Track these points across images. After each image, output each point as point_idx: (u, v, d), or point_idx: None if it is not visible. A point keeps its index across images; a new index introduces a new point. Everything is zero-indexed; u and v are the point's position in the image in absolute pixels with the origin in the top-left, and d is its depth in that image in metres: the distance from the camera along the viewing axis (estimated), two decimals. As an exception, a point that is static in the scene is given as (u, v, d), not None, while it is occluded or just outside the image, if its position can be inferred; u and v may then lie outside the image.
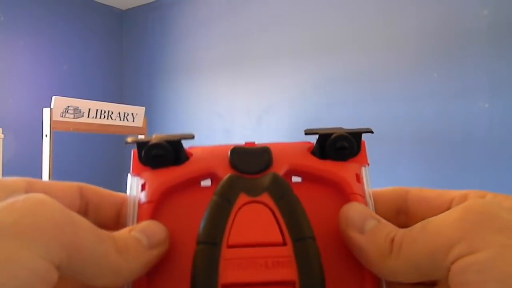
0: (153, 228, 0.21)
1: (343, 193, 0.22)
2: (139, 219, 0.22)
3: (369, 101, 2.79)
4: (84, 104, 2.71)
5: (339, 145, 0.23)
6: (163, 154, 0.22)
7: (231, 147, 0.23)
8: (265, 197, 0.21)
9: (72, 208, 0.21)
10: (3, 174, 2.61)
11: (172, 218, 0.22)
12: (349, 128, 0.24)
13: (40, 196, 0.17)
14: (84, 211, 0.23)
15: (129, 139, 0.23)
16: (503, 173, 2.34)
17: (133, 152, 0.23)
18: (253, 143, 0.23)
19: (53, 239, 0.16)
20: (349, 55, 2.89)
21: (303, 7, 3.10)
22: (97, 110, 2.77)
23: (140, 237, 0.20)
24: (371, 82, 2.79)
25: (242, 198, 0.21)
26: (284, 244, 0.20)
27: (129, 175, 0.23)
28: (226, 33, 3.50)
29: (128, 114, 2.95)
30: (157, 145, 0.22)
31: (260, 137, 3.27)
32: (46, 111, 2.56)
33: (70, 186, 0.24)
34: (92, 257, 0.17)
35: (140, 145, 0.22)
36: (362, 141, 0.24)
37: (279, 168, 0.22)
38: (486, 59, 2.40)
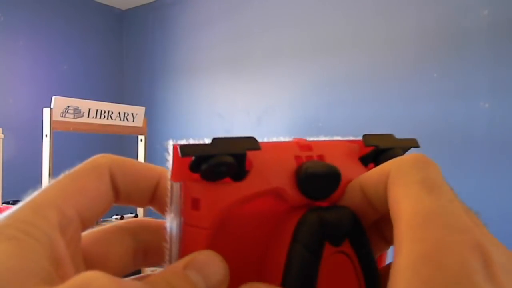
0: (213, 266, 0.17)
1: None
2: (187, 247, 0.18)
3: (369, 101, 2.79)
4: (84, 104, 2.71)
5: (392, 156, 0.22)
6: (227, 171, 0.18)
7: (300, 163, 0.19)
8: (347, 247, 0.19)
9: (107, 206, 0.20)
10: (3, 174, 2.61)
11: (231, 249, 0.18)
12: (399, 139, 0.24)
13: None
14: (115, 199, 0.20)
15: (183, 148, 0.18)
16: (503, 173, 2.34)
17: (174, 149, 0.18)
18: (310, 146, 0.21)
19: None
20: (349, 55, 2.89)
21: (303, 7, 3.10)
22: (97, 110, 2.77)
23: (197, 280, 0.16)
24: (371, 82, 2.79)
25: (327, 249, 0.18)
26: None
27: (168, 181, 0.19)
28: (226, 33, 3.50)
29: (128, 114, 2.95)
30: (225, 163, 0.18)
31: (260, 137, 3.27)
32: (46, 111, 2.56)
33: (101, 178, 0.20)
34: None
35: (202, 159, 0.17)
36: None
37: (341, 186, 0.20)
38: (486, 59, 2.40)
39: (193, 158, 0.17)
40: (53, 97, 2.58)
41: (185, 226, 0.18)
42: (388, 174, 0.18)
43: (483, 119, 2.40)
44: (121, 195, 0.20)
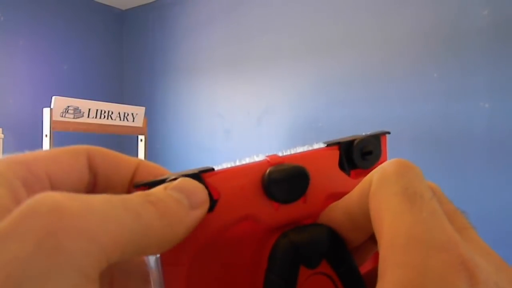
0: (192, 187, 0.17)
1: None
2: (169, 285, 0.17)
3: (368, 101, 2.79)
4: (84, 104, 2.71)
5: (366, 150, 0.21)
6: None
7: (264, 173, 0.18)
8: (325, 267, 0.18)
9: (81, 185, 0.19)
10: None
11: (216, 278, 0.18)
12: (367, 134, 0.22)
13: (51, 203, 0.14)
14: (92, 184, 0.20)
15: (137, 182, 0.18)
16: (503, 173, 2.34)
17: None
18: (282, 161, 0.19)
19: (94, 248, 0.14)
20: (348, 56, 2.89)
21: (302, 8, 3.10)
22: (97, 110, 2.77)
23: (180, 197, 0.17)
24: (371, 83, 2.79)
25: (302, 272, 0.17)
26: None
27: None
28: (227, 33, 3.51)
29: (128, 114, 2.95)
30: None
31: (260, 137, 3.28)
32: (46, 111, 2.56)
33: (77, 156, 0.20)
34: (137, 237, 0.15)
35: (156, 185, 0.17)
36: (382, 142, 0.22)
37: (317, 194, 0.20)
38: (486, 59, 2.40)
39: (148, 187, 0.17)
40: (53, 97, 2.58)
41: (164, 266, 0.17)
42: (370, 186, 0.17)
43: (483, 119, 2.40)
44: (100, 177, 0.20)
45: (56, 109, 2.56)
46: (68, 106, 2.63)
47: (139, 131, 3.03)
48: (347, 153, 0.21)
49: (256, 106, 3.32)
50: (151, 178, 0.19)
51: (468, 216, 0.17)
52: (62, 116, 2.60)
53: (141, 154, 3.04)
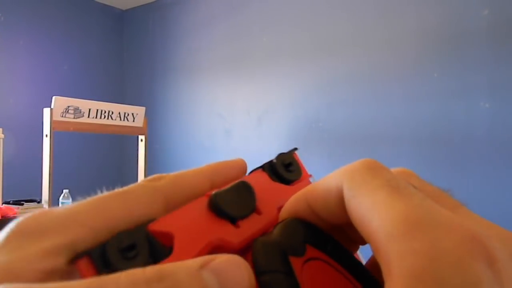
0: (234, 271, 0.14)
1: None
2: None
3: (369, 101, 2.79)
4: (84, 104, 2.71)
5: (286, 162, 0.21)
6: (135, 256, 0.15)
7: (210, 199, 0.18)
8: (312, 251, 0.17)
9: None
10: (3, 174, 2.61)
11: None
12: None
13: None
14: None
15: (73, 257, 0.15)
16: (503, 173, 2.34)
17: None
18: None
19: None
20: (349, 55, 2.89)
21: (303, 7, 3.10)
22: (97, 110, 2.77)
23: (212, 284, 0.13)
24: (371, 82, 2.79)
25: (294, 263, 0.16)
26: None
27: None
28: (227, 33, 3.51)
29: (128, 114, 2.95)
30: (122, 240, 0.15)
31: (261, 137, 3.28)
32: (46, 111, 2.56)
33: (153, 205, 0.17)
34: None
35: (100, 253, 0.15)
36: (295, 157, 0.22)
37: (269, 206, 0.19)
38: (486, 59, 2.40)
39: (90, 258, 0.15)
40: (53, 97, 2.58)
41: None
42: (338, 188, 0.16)
43: (483, 119, 2.40)
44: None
45: (57, 109, 2.56)
46: (69, 106, 2.63)
47: (139, 131, 3.03)
48: (272, 171, 0.21)
49: (256, 106, 3.32)
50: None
51: (453, 194, 0.17)
52: (62, 116, 2.60)
53: (141, 154, 3.04)
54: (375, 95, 2.77)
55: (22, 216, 0.15)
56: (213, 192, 0.18)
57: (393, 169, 0.18)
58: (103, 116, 2.81)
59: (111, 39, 4.20)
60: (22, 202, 2.53)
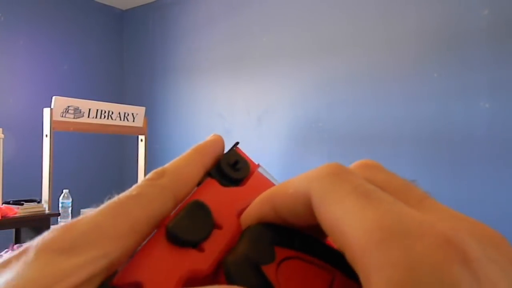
0: None
1: None
2: None
3: (369, 101, 2.79)
4: (84, 104, 2.71)
5: (231, 162, 0.21)
6: None
7: (165, 233, 0.17)
8: (282, 252, 0.17)
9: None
10: (3, 174, 2.61)
11: None
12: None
13: None
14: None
15: None
16: (503, 173, 2.34)
17: None
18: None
19: None
20: (349, 55, 2.89)
21: (303, 7, 3.10)
22: (97, 110, 2.77)
23: None
24: (371, 82, 2.79)
25: (267, 271, 0.16)
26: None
27: None
28: (227, 33, 3.51)
29: (128, 114, 2.95)
30: None
31: (261, 137, 3.28)
32: (46, 111, 2.56)
33: (168, 211, 0.18)
34: None
35: None
36: (240, 152, 0.22)
37: (228, 217, 0.19)
38: (486, 59, 2.40)
39: None
40: (53, 97, 2.58)
41: None
42: (306, 195, 0.16)
43: (483, 119, 2.41)
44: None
45: (56, 109, 2.56)
46: (69, 106, 2.63)
47: (139, 131, 3.04)
48: (220, 175, 0.20)
49: (256, 106, 3.32)
50: None
51: (418, 183, 0.16)
52: (62, 116, 2.60)
53: (141, 154, 3.04)
54: (375, 95, 2.77)
55: (47, 232, 0.16)
56: (167, 223, 0.17)
57: (357, 162, 0.18)
58: (103, 116, 2.81)
59: (111, 39, 4.20)
60: (22, 202, 2.53)
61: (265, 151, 3.17)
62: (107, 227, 0.16)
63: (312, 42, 3.06)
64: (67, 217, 2.72)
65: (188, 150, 0.20)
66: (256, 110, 3.32)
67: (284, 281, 0.16)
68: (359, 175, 0.16)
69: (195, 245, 0.17)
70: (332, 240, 0.15)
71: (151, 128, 3.36)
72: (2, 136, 2.57)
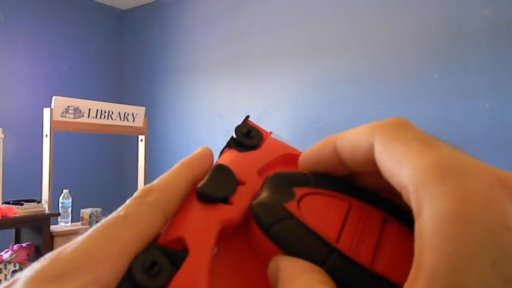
0: None
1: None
2: None
3: (369, 101, 2.79)
4: (84, 104, 2.71)
5: (245, 131, 0.23)
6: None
7: (197, 193, 0.19)
8: (301, 191, 0.19)
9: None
10: (3, 174, 2.61)
11: None
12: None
13: None
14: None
15: None
16: (503, 173, 2.34)
17: None
18: None
19: None
20: (349, 55, 2.89)
21: (303, 7, 3.10)
22: (97, 110, 2.77)
23: None
24: (371, 82, 2.79)
25: (290, 204, 0.18)
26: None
27: None
28: (226, 33, 3.51)
29: (128, 114, 2.95)
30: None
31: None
32: (46, 111, 2.56)
33: (160, 227, 0.18)
34: None
35: None
36: (251, 124, 0.24)
37: (250, 174, 0.21)
38: (486, 59, 2.40)
39: None
40: (53, 97, 2.58)
41: None
42: (369, 141, 0.17)
43: (483, 119, 2.41)
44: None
45: (56, 109, 2.56)
46: (68, 106, 2.63)
47: (139, 131, 3.04)
48: (237, 144, 0.23)
49: (256, 105, 3.32)
50: None
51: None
52: (62, 116, 2.60)
53: (141, 154, 3.04)
54: (375, 95, 2.77)
55: (36, 262, 0.15)
56: (198, 186, 0.19)
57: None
58: (103, 116, 2.81)
59: (111, 39, 4.20)
60: (22, 202, 2.53)
61: (265, 151, 3.17)
62: (96, 251, 0.16)
63: (312, 42, 3.06)
64: (67, 217, 2.72)
65: (175, 165, 0.21)
66: (256, 110, 3.32)
67: (306, 213, 0.18)
68: (416, 126, 0.18)
69: (224, 200, 0.19)
70: (390, 181, 0.16)
71: (151, 128, 3.36)
72: (2, 136, 2.57)
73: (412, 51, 2.65)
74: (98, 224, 0.17)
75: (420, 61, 2.62)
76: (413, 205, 0.15)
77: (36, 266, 0.15)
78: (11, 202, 2.55)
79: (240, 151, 0.23)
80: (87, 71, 3.97)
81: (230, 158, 0.22)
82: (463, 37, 2.47)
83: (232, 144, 0.23)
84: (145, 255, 0.16)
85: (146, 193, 0.18)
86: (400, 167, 0.16)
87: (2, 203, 2.55)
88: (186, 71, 3.76)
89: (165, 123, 3.86)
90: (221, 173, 0.20)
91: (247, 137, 0.23)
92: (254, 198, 0.19)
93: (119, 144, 4.08)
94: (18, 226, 2.62)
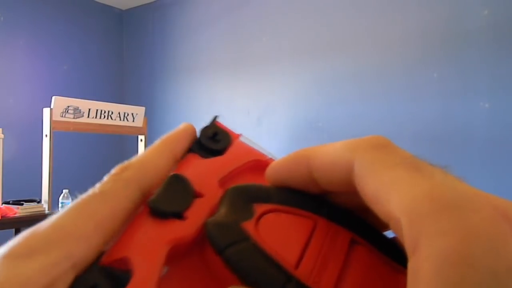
0: None
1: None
2: None
3: (369, 101, 2.79)
4: (84, 104, 2.71)
5: (210, 134, 0.21)
6: None
7: (147, 210, 0.17)
8: (260, 207, 0.17)
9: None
10: (3, 174, 2.61)
11: None
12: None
13: None
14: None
15: None
16: (503, 173, 2.34)
17: None
18: None
19: None
20: (349, 56, 2.89)
21: (303, 7, 3.11)
22: (97, 110, 2.77)
23: None
24: (371, 82, 2.79)
25: (248, 224, 0.17)
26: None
27: None
28: (226, 33, 3.51)
29: (128, 114, 2.95)
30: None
31: (260, 137, 3.28)
32: (46, 111, 2.56)
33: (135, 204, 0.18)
34: None
35: None
36: (219, 125, 0.22)
37: (209, 184, 0.19)
38: (486, 59, 2.40)
39: None
40: (53, 97, 2.58)
41: None
42: (348, 163, 0.16)
43: (483, 119, 2.41)
44: None
45: (56, 109, 2.56)
46: (68, 106, 2.63)
47: (139, 131, 3.04)
48: (201, 148, 0.21)
49: (256, 106, 3.32)
50: None
51: (451, 170, 0.17)
52: (62, 116, 2.60)
53: (141, 154, 3.04)
54: (375, 95, 2.77)
55: (11, 240, 0.15)
56: (149, 199, 0.17)
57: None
58: (103, 116, 2.81)
59: (111, 39, 4.20)
60: (22, 202, 2.53)
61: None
62: (70, 228, 0.15)
63: (312, 42, 3.06)
64: (67, 217, 2.71)
65: (155, 141, 0.20)
66: (256, 110, 3.32)
67: (264, 234, 0.17)
68: (400, 148, 0.16)
69: (178, 215, 0.17)
70: (374, 209, 0.15)
71: (151, 128, 3.36)
72: (2, 136, 2.57)
73: (412, 51, 2.65)
74: (74, 201, 0.16)
75: (420, 61, 2.62)
76: (406, 240, 0.13)
77: (10, 243, 0.15)
78: (11, 202, 2.55)
79: (203, 156, 0.20)
80: (87, 71, 3.97)
81: (190, 165, 0.20)
82: (463, 37, 2.47)
83: (196, 148, 0.21)
84: (85, 277, 0.15)
85: (122, 170, 0.18)
86: (387, 196, 0.14)
87: (2, 203, 2.55)
88: (186, 71, 3.76)
89: (165, 123, 3.86)
90: (176, 184, 0.18)
91: (212, 140, 0.21)
92: (212, 212, 0.18)
93: (119, 144, 4.08)
94: (18, 226, 2.61)
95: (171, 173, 0.19)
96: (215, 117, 0.22)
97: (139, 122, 3.00)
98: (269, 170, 0.19)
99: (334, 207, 0.18)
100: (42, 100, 3.05)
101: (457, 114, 2.48)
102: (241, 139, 0.22)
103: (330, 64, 2.97)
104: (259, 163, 0.21)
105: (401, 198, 0.14)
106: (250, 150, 0.22)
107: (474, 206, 0.13)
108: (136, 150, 3.10)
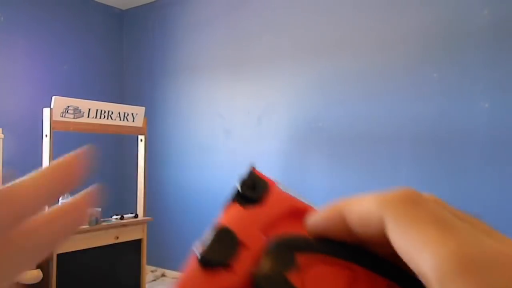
0: None
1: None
2: None
3: (368, 101, 2.79)
4: (84, 104, 2.71)
5: (248, 184, 0.22)
6: None
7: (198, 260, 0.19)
8: (304, 258, 0.19)
9: None
10: (3, 174, 2.61)
11: None
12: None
13: None
14: None
15: None
16: (503, 173, 2.34)
17: None
18: None
19: None
20: (349, 56, 2.89)
21: (303, 8, 3.11)
22: (97, 110, 2.77)
23: None
24: (371, 82, 2.79)
25: (294, 275, 0.18)
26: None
27: None
28: (227, 33, 3.51)
29: (128, 114, 2.95)
30: None
31: (260, 137, 3.28)
32: (46, 111, 2.56)
33: None
34: None
35: None
36: (257, 173, 0.24)
37: (253, 239, 0.20)
38: (486, 59, 2.40)
39: None
40: (53, 97, 2.58)
41: None
42: (379, 217, 0.17)
43: (482, 118, 2.41)
44: None
45: (56, 109, 2.56)
46: (68, 106, 2.63)
47: (139, 131, 3.03)
48: (242, 198, 0.22)
49: (256, 106, 3.32)
50: None
51: (482, 217, 0.17)
52: (62, 116, 2.60)
53: (141, 154, 3.04)
54: (375, 95, 2.77)
55: None
56: (199, 252, 0.19)
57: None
58: (103, 116, 2.81)
59: (111, 39, 4.20)
60: (22, 202, 2.53)
61: (265, 151, 3.17)
62: None
63: (312, 42, 3.06)
64: (67, 217, 2.71)
65: (44, 168, 0.20)
66: (256, 110, 3.32)
67: (309, 284, 0.18)
68: (432, 201, 0.16)
69: (225, 265, 0.19)
70: (408, 263, 0.16)
71: (151, 128, 3.36)
72: (2, 136, 2.57)
73: (412, 51, 2.65)
74: None
75: (420, 62, 2.62)
76: None
77: None
78: (11, 202, 2.55)
79: (243, 205, 0.22)
80: (87, 71, 3.97)
81: (233, 216, 0.21)
82: (463, 37, 2.47)
83: (237, 197, 0.22)
84: None
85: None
86: (418, 254, 0.15)
87: (2, 203, 2.54)
88: (186, 71, 3.76)
89: (165, 123, 3.86)
90: (224, 235, 0.20)
91: (251, 189, 0.23)
92: (257, 261, 0.19)
93: (119, 144, 4.07)
94: (18, 226, 2.61)
95: (219, 225, 0.20)
96: (252, 168, 0.24)
97: (139, 122, 3.00)
98: (309, 223, 0.20)
99: (370, 255, 0.19)
100: (42, 100, 3.04)
101: (457, 114, 2.48)
102: (279, 185, 0.23)
103: (330, 64, 2.97)
104: (298, 210, 0.22)
105: (432, 258, 0.14)
106: (287, 198, 0.23)
107: (499, 266, 0.14)
108: (136, 150, 3.10)
